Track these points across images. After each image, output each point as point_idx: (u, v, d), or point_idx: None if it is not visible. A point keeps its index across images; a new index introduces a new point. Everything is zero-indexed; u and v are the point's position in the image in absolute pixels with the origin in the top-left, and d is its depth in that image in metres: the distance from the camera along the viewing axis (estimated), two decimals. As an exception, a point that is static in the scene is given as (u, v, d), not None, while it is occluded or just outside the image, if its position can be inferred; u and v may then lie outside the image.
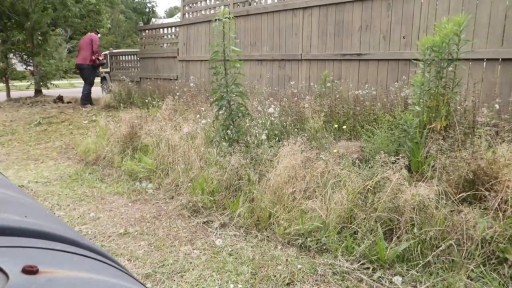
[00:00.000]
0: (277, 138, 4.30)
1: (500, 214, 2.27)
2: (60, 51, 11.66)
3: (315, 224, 2.65)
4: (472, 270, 2.12)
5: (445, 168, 2.82)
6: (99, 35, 10.08)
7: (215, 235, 2.84)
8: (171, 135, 4.38)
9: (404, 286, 2.13)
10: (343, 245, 2.45)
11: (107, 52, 14.11)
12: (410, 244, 2.29)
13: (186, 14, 9.01)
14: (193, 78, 8.25)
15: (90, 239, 2.82)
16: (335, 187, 2.94)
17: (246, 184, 3.27)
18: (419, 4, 4.74)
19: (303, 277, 2.25)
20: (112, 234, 2.92)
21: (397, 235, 2.40)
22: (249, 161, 3.49)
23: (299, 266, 2.35)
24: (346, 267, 2.30)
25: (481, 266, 2.13)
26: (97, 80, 16.79)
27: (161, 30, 10.20)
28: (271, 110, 4.73)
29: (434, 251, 2.24)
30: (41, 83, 11.77)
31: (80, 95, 9.98)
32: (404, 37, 4.93)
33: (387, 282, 2.17)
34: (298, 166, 3.13)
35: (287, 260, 2.43)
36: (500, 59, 4.09)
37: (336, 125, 4.56)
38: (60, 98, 10.63)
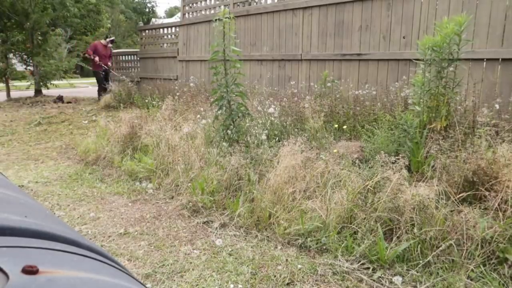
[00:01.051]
0: (277, 138, 4.30)
1: (500, 214, 2.27)
2: (60, 51, 11.65)
3: (315, 224, 2.65)
4: (472, 270, 2.12)
5: (445, 168, 2.82)
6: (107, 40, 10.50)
7: (215, 235, 2.83)
8: (171, 135, 4.39)
9: (404, 286, 2.13)
10: (343, 245, 2.45)
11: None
12: (410, 244, 2.29)
13: (186, 14, 9.01)
14: (193, 78, 8.25)
15: (90, 239, 2.82)
16: (335, 187, 2.94)
17: (246, 184, 3.28)
18: (419, 4, 4.74)
19: (303, 277, 2.24)
20: (112, 234, 2.92)
21: (397, 235, 2.40)
22: (249, 161, 3.50)
23: (299, 266, 2.35)
24: (346, 267, 2.30)
25: (481, 266, 2.13)
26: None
27: (161, 30, 10.20)
28: (271, 110, 4.73)
29: (434, 251, 2.24)
30: (41, 83, 11.77)
31: (80, 95, 10.18)
32: (404, 37, 4.93)
33: (387, 282, 2.17)
34: (298, 166, 3.13)
35: (287, 260, 2.43)
36: (500, 59, 4.09)
37: (336, 125, 4.56)
38: (60, 98, 10.63)
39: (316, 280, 2.22)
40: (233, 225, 2.97)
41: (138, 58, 11.13)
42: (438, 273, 2.16)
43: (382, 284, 2.16)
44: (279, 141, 4.11)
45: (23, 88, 12.41)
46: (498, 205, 2.35)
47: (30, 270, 0.37)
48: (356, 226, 2.54)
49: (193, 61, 8.69)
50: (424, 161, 3.27)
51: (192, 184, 3.46)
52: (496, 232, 2.18)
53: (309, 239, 2.58)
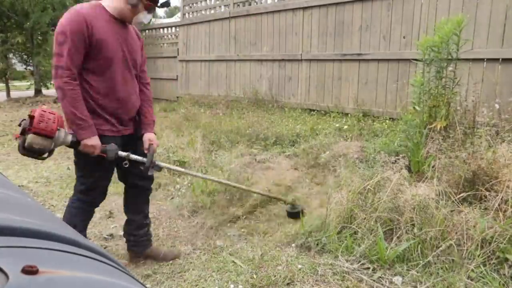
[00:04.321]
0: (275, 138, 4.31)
1: (501, 214, 2.27)
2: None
3: (315, 224, 2.65)
4: (472, 270, 2.11)
5: (445, 168, 2.81)
6: None
7: (215, 235, 2.83)
8: (171, 135, 4.39)
9: (404, 286, 2.13)
10: (343, 245, 2.45)
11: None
12: (410, 244, 2.29)
13: (186, 14, 9.00)
14: (193, 78, 8.25)
15: (90, 239, 2.82)
16: (335, 187, 2.94)
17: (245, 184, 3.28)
18: (419, 4, 4.73)
19: (303, 277, 2.24)
20: (112, 234, 2.92)
21: (397, 235, 2.40)
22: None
23: (299, 266, 2.35)
24: (346, 267, 2.30)
25: (481, 266, 2.13)
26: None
27: (161, 30, 10.20)
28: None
29: (434, 251, 2.24)
30: (41, 83, 11.77)
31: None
32: (404, 37, 4.93)
33: (387, 282, 2.17)
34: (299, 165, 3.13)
35: (287, 260, 2.42)
36: (500, 59, 4.08)
37: (337, 125, 4.56)
38: (60, 98, 10.62)
39: (316, 280, 2.22)
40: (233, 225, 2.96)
41: (138, 58, 11.12)
42: (438, 273, 2.16)
43: (382, 284, 2.16)
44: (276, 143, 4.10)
45: (23, 88, 12.41)
46: (498, 205, 2.35)
47: (30, 270, 0.37)
48: (356, 226, 2.54)
49: (193, 61, 8.68)
50: (424, 161, 3.27)
51: (192, 185, 3.46)
52: (496, 232, 2.17)
53: (309, 239, 2.58)
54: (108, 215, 3.27)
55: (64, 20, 2.03)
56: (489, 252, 2.16)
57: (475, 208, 2.41)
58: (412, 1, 4.79)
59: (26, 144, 1.94)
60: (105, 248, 2.70)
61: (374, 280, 2.19)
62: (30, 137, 1.93)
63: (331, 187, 2.90)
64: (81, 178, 2.26)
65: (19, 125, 1.98)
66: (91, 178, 2.23)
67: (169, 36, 9.87)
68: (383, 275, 2.22)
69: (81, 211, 2.31)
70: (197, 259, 2.50)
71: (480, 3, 4.17)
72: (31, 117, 1.93)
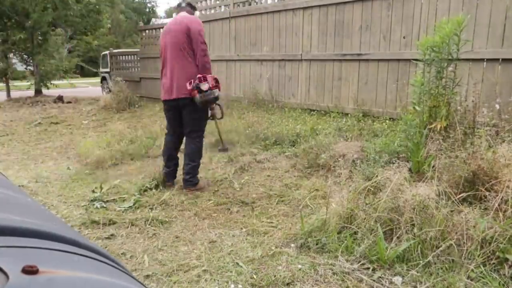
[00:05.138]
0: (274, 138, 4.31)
1: (501, 214, 2.27)
2: (60, 51, 11.66)
3: (315, 224, 2.65)
4: (472, 270, 2.12)
5: (445, 168, 2.81)
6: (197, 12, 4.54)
7: (215, 235, 2.83)
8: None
9: (404, 286, 2.13)
10: (343, 245, 2.45)
11: (107, 52, 14.11)
12: (410, 244, 2.29)
13: (186, 14, 9.01)
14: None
15: (90, 239, 2.82)
16: (335, 187, 2.94)
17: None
18: (419, 4, 4.74)
19: (303, 277, 2.24)
20: (112, 234, 2.92)
21: (397, 235, 2.40)
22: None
23: (299, 266, 2.35)
24: (346, 267, 2.30)
25: (481, 266, 2.13)
26: (97, 80, 16.70)
27: (161, 30, 10.20)
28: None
29: (434, 251, 2.24)
30: (41, 83, 11.78)
31: (80, 95, 9.93)
32: (404, 37, 4.93)
33: (387, 282, 2.17)
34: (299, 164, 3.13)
35: (287, 260, 2.43)
36: (500, 59, 4.09)
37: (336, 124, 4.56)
38: (60, 98, 10.64)
39: (316, 280, 2.22)
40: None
41: (138, 58, 11.13)
42: (438, 273, 2.16)
43: (382, 284, 2.16)
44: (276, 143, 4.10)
45: (23, 88, 12.42)
46: (498, 205, 2.35)
47: (30, 270, 0.37)
48: (356, 227, 2.54)
49: (193, 61, 8.68)
50: (424, 161, 3.27)
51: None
52: (496, 232, 2.17)
53: (309, 239, 2.58)
54: (108, 215, 3.27)
55: None
56: (489, 252, 2.16)
57: (475, 208, 2.41)
58: (412, 1, 4.79)
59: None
60: (105, 248, 2.70)
61: (374, 280, 2.19)
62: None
63: (331, 187, 2.90)
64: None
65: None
66: None
67: (169, 36, 9.86)
68: (383, 275, 2.22)
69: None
70: (197, 259, 2.50)
71: (480, 3, 4.17)
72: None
